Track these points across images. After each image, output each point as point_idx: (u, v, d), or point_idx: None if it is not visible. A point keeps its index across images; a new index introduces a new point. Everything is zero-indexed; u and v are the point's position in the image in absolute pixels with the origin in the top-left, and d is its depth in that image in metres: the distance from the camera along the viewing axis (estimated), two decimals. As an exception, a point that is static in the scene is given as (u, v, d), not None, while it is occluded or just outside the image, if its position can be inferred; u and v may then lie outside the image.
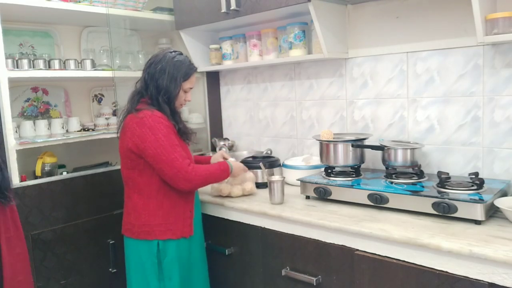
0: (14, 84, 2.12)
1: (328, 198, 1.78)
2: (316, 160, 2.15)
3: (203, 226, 1.92)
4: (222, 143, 2.69)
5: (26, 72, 2.03)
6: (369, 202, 1.66)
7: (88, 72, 2.27)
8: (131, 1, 2.37)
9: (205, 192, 2.06)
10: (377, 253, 1.46)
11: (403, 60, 1.95)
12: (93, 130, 2.41)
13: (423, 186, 1.65)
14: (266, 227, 1.79)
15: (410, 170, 1.82)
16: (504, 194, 1.60)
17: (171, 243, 1.72)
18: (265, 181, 2.07)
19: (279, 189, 1.83)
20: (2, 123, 1.86)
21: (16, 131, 2.09)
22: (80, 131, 2.36)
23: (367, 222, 1.52)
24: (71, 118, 2.38)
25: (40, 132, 2.21)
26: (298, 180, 1.91)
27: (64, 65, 2.21)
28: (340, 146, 1.90)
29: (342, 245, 1.55)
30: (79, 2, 2.18)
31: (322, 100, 2.29)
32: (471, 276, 1.26)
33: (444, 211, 1.47)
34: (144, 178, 1.71)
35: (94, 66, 2.32)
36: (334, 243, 1.57)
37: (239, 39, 2.45)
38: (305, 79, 2.35)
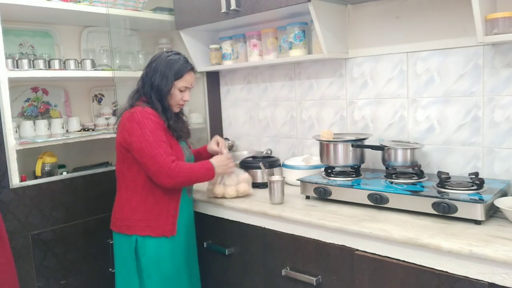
0: (14, 84, 2.12)
1: (328, 198, 1.78)
2: (316, 160, 2.15)
3: (202, 226, 1.92)
4: (222, 143, 2.69)
5: (26, 72, 2.03)
6: (369, 202, 1.66)
7: (88, 72, 2.27)
8: (131, 1, 2.37)
9: (205, 192, 2.06)
10: (377, 253, 1.45)
11: (403, 60, 1.95)
12: (93, 130, 2.41)
13: (423, 186, 1.65)
14: (266, 227, 1.79)
15: (410, 170, 1.82)
16: (504, 194, 1.60)
17: (150, 240, 1.73)
18: (265, 181, 2.07)
19: (279, 189, 1.83)
20: (2, 123, 1.86)
21: (16, 131, 2.09)
22: (80, 131, 2.36)
23: (367, 222, 1.52)
24: (71, 118, 2.38)
25: (40, 132, 2.21)
26: (298, 180, 1.91)
27: (64, 65, 2.21)
28: (340, 146, 1.90)
29: (342, 245, 1.55)
30: (79, 2, 2.18)
31: (322, 100, 2.29)
32: (471, 276, 1.26)
33: (444, 211, 1.47)
34: (132, 173, 1.74)
35: (94, 66, 2.32)
36: (334, 243, 1.57)
37: (239, 39, 2.45)
38: (305, 79, 2.35)
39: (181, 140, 1.86)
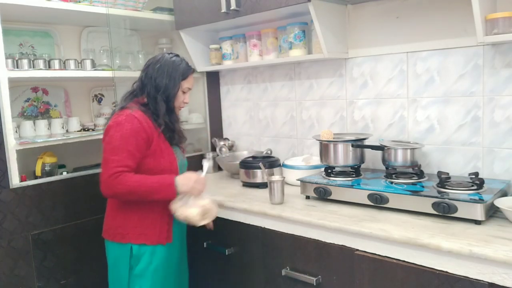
0: (14, 84, 2.12)
1: (328, 198, 1.78)
2: (316, 160, 2.15)
3: (202, 226, 1.89)
4: (222, 143, 2.69)
5: (26, 72, 2.03)
6: (369, 202, 1.66)
7: (88, 72, 2.27)
8: (131, 1, 2.37)
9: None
10: (377, 253, 1.46)
11: (403, 60, 1.95)
12: (93, 130, 2.41)
13: (423, 186, 1.65)
14: (266, 227, 1.79)
15: (410, 170, 1.82)
16: (504, 194, 1.60)
17: (145, 249, 1.66)
18: (265, 181, 2.07)
19: (279, 189, 1.83)
20: (2, 123, 1.86)
21: (16, 131, 2.09)
22: (80, 131, 2.36)
23: (367, 222, 1.52)
24: (71, 118, 2.38)
25: (40, 132, 2.21)
26: (298, 180, 1.90)
27: (64, 65, 2.21)
28: (340, 146, 1.90)
29: (342, 245, 1.55)
30: (79, 2, 2.18)
31: (322, 100, 2.29)
32: (471, 276, 1.26)
33: (444, 211, 1.47)
34: None
35: (94, 66, 2.32)
36: (334, 243, 1.57)
37: (239, 39, 2.45)
38: (305, 79, 2.35)
39: (174, 145, 1.77)
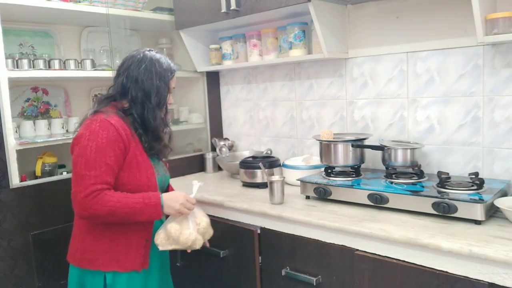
0: (14, 84, 2.12)
1: (328, 198, 1.78)
2: (316, 160, 2.15)
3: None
4: (222, 143, 2.69)
5: (26, 72, 2.03)
6: (369, 202, 1.66)
7: (88, 72, 2.27)
8: (131, 1, 2.37)
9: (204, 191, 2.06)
10: (377, 253, 1.46)
11: (403, 60, 1.95)
12: (93, 130, 2.41)
13: (423, 186, 1.65)
14: (266, 227, 1.79)
15: (410, 170, 1.82)
16: (504, 194, 1.60)
17: (120, 277, 1.45)
18: (265, 181, 2.07)
19: (279, 189, 1.83)
20: (2, 123, 1.86)
21: (16, 131, 2.09)
22: (80, 131, 2.36)
23: (367, 222, 1.52)
24: (71, 118, 2.38)
25: (40, 132, 2.21)
26: (298, 180, 1.90)
27: (64, 65, 2.21)
28: (340, 146, 1.90)
29: (342, 245, 1.55)
30: (79, 2, 2.18)
31: (322, 100, 2.29)
32: (471, 276, 1.26)
33: (444, 211, 1.47)
34: None
35: (94, 66, 2.32)
36: (334, 243, 1.57)
37: (239, 39, 2.45)
38: (305, 79, 2.35)
39: (153, 156, 1.58)
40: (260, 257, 1.83)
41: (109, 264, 1.45)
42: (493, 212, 1.50)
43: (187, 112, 2.76)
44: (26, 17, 2.22)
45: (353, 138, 1.94)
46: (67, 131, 2.34)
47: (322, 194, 1.79)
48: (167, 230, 1.50)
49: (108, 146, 1.40)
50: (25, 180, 1.98)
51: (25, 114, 2.34)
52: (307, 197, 1.88)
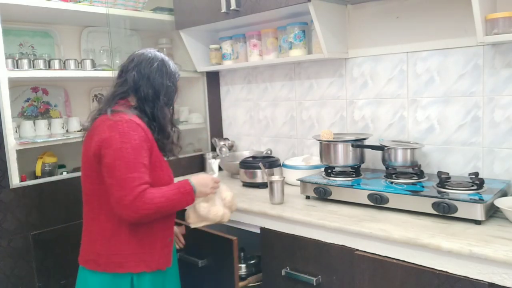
0: (14, 84, 2.12)
1: (328, 198, 1.78)
2: (316, 160, 2.15)
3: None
4: (222, 143, 2.69)
5: (26, 72, 2.03)
6: (369, 202, 1.66)
7: (88, 72, 2.27)
8: (131, 1, 2.37)
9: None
10: (377, 253, 1.45)
11: (403, 60, 1.95)
12: (93, 130, 2.41)
13: (423, 186, 1.65)
14: (266, 227, 1.79)
15: (410, 170, 1.82)
16: (504, 194, 1.60)
17: (145, 277, 1.45)
18: (265, 181, 2.07)
19: (279, 189, 1.83)
20: (2, 123, 1.86)
21: (16, 131, 2.09)
22: (80, 131, 2.36)
23: (367, 222, 1.52)
24: (71, 118, 2.38)
25: (40, 132, 2.21)
26: (298, 180, 1.90)
27: (64, 65, 2.21)
28: (340, 146, 1.90)
29: (342, 245, 1.55)
30: (79, 2, 2.18)
31: (322, 100, 2.29)
32: (471, 276, 1.26)
33: (444, 211, 1.47)
34: None
35: (94, 66, 2.32)
36: (334, 243, 1.57)
37: (239, 39, 2.45)
38: (305, 79, 2.35)
39: (166, 156, 1.60)
40: (244, 265, 1.87)
41: (137, 265, 1.44)
42: (493, 212, 1.50)
43: (187, 112, 2.76)
44: (26, 17, 2.22)
45: (353, 138, 1.94)
46: (67, 131, 2.34)
47: (322, 194, 1.79)
48: (196, 209, 1.59)
49: (140, 146, 1.40)
50: (25, 180, 1.98)
51: (25, 114, 2.34)
52: (307, 197, 1.88)
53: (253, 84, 2.62)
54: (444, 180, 1.63)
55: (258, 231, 1.82)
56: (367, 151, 1.95)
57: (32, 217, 1.95)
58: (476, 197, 1.46)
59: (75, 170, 2.27)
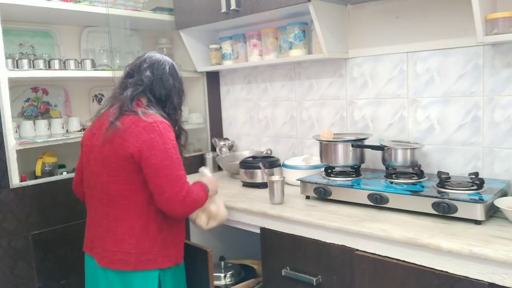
0: (14, 84, 2.12)
1: (328, 198, 1.78)
2: (316, 160, 2.15)
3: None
4: (222, 143, 2.69)
5: (26, 72, 2.03)
6: (369, 202, 1.66)
7: (88, 72, 2.27)
8: (131, 1, 2.37)
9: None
10: (377, 253, 1.45)
11: (403, 60, 1.95)
12: (93, 130, 2.41)
13: (423, 186, 1.65)
14: (266, 227, 1.79)
15: (410, 170, 1.82)
16: (504, 194, 1.60)
17: (168, 272, 1.52)
18: (265, 181, 2.07)
19: (279, 189, 1.83)
20: (2, 123, 1.86)
21: (16, 131, 2.09)
22: (80, 131, 2.36)
23: (367, 222, 1.52)
24: (71, 118, 2.38)
25: (40, 132, 2.21)
26: (298, 180, 1.90)
27: (64, 65, 2.21)
28: (340, 146, 1.90)
29: (342, 245, 1.55)
30: (79, 2, 2.18)
31: (322, 100, 2.29)
32: (471, 276, 1.26)
33: (444, 211, 1.47)
34: (145, 195, 1.47)
35: (94, 66, 2.32)
36: (334, 243, 1.57)
37: (239, 39, 2.45)
38: (305, 79, 2.35)
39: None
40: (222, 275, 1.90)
41: (164, 261, 1.50)
42: (493, 212, 1.50)
43: (187, 112, 2.76)
44: (26, 17, 2.22)
45: (353, 138, 1.94)
46: (67, 131, 2.34)
47: (322, 194, 1.79)
48: (208, 211, 1.71)
49: (176, 145, 1.48)
50: (25, 180, 1.98)
51: (25, 114, 2.34)
52: (307, 197, 1.88)
53: (253, 84, 2.61)
54: (444, 180, 1.63)
55: (258, 231, 1.82)
56: (367, 151, 1.95)
57: (32, 217, 1.95)
58: (476, 197, 1.46)
59: (75, 170, 2.27)
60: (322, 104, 2.29)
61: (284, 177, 1.89)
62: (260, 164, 2.05)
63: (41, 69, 2.11)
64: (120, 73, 2.33)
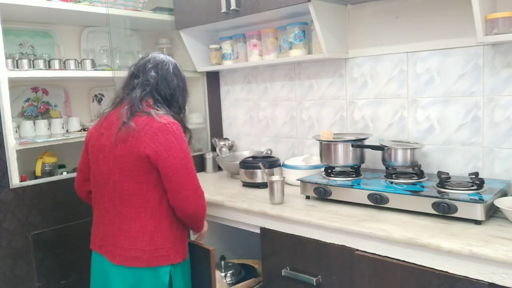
0: (14, 84, 2.12)
1: (328, 198, 1.78)
2: (316, 160, 2.15)
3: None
4: (222, 143, 2.69)
5: (26, 72, 2.03)
6: (369, 202, 1.66)
7: (88, 72, 2.27)
8: (131, 1, 2.37)
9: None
10: (377, 253, 1.46)
11: (403, 60, 1.95)
12: (93, 130, 2.41)
13: (423, 186, 1.65)
14: (266, 227, 1.79)
15: (410, 170, 1.82)
16: (504, 194, 1.60)
17: (178, 267, 1.57)
18: (265, 181, 2.07)
19: (279, 189, 1.83)
20: (2, 123, 1.86)
21: (16, 131, 2.09)
22: (80, 131, 2.36)
23: (367, 222, 1.52)
24: (71, 118, 2.38)
25: (40, 132, 2.21)
26: (298, 180, 1.90)
27: (64, 65, 2.21)
28: (340, 146, 1.90)
29: (342, 245, 1.55)
30: (79, 2, 2.18)
31: (322, 100, 2.29)
32: (471, 276, 1.26)
33: (444, 211, 1.47)
34: (157, 194, 1.50)
35: (94, 66, 2.32)
36: (334, 243, 1.57)
37: (239, 39, 2.45)
38: (305, 79, 2.35)
39: None
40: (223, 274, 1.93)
41: (175, 256, 1.54)
42: (493, 212, 1.50)
43: (187, 112, 2.75)
44: (26, 17, 2.22)
45: (353, 138, 1.94)
46: (67, 131, 2.34)
47: (322, 194, 1.79)
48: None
49: (187, 146, 1.54)
50: (25, 180, 1.98)
51: (25, 114, 2.34)
52: (307, 197, 1.88)
53: (253, 84, 2.61)
54: (444, 180, 1.63)
55: (258, 231, 1.82)
56: (367, 151, 1.95)
57: (32, 217, 1.95)
58: (476, 197, 1.46)
59: (75, 170, 2.26)
60: (322, 104, 2.29)
61: (284, 177, 1.89)
62: (260, 164, 2.05)
63: (41, 69, 2.11)
64: (120, 73, 2.36)
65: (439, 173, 1.70)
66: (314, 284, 1.60)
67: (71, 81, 2.50)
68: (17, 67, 2.03)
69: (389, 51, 1.99)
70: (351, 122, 2.17)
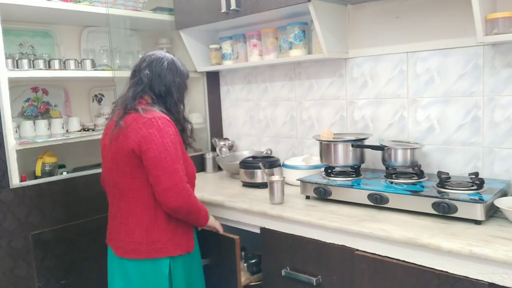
0: (14, 84, 2.12)
1: (328, 198, 1.78)
2: (316, 160, 2.15)
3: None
4: (222, 143, 2.69)
5: (26, 72, 2.03)
6: (369, 202, 1.66)
7: (88, 72, 2.27)
8: (131, 1, 2.37)
9: (205, 190, 2.06)
10: (377, 253, 1.46)
11: (403, 60, 1.95)
12: (93, 130, 2.41)
13: (423, 186, 1.65)
14: (266, 227, 1.79)
15: (410, 170, 1.82)
16: (504, 194, 1.60)
17: (179, 260, 1.59)
18: (265, 181, 2.07)
19: (279, 189, 1.83)
20: (2, 123, 1.86)
21: (16, 131, 2.09)
22: (80, 131, 2.36)
23: (367, 222, 1.52)
24: (71, 118, 2.38)
25: (40, 132, 2.21)
26: (298, 180, 1.90)
27: (64, 65, 2.21)
28: (340, 146, 1.90)
29: (342, 245, 1.55)
30: (79, 2, 2.18)
31: (322, 100, 2.29)
32: (471, 276, 1.26)
33: (444, 211, 1.47)
34: (150, 189, 1.54)
35: (94, 66, 2.32)
36: (334, 243, 1.57)
37: (239, 39, 2.45)
38: (305, 79, 2.35)
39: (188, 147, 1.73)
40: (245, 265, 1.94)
41: (175, 249, 1.57)
42: (493, 212, 1.50)
43: (187, 112, 2.75)
44: (26, 17, 2.22)
45: (353, 138, 1.94)
46: (67, 131, 2.34)
47: (322, 194, 1.79)
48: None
49: (176, 140, 1.54)
50: (25, 180, 1.98)
51: (25, 114, 2.34)
52: (307, 197, 1.88)
53: (253, 84, 2.61)
54: (444, 180, 1.63)
55: (258, 231, 1.82)
56: (367, 151, 1.95)
57: (32, 217, 1.95)
58: (476, 197, 1.46)
59: (75, 170, 2.27)
60: (322, 104, 2.29)
61: (284, 177, 1.89)
62: (260, 164, 2.05)
63: (41, 69, 2.11)
64: (120, 73, 2.37)
65: (439, 173, 1.70)
66: (314, 284, 1.60)
67: (71, 81, 2.50)
68: (17, 67, 2.03)
69: (389, 51, 1.99)
70: (351, 122, 2.17)
